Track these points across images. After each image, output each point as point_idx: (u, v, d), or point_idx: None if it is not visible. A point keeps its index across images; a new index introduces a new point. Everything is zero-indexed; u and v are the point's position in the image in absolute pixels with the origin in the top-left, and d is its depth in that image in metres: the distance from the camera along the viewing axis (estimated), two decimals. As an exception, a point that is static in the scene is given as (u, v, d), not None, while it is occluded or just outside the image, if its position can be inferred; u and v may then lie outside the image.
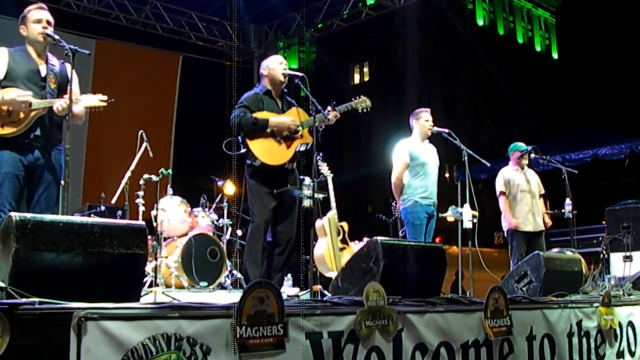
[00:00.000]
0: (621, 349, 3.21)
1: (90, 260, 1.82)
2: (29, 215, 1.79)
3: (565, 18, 39.49)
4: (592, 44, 34.17)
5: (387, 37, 30.67)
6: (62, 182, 2.83)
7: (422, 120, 4.53)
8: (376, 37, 30.75)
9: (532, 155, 5.15)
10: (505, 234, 5.19)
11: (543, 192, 5.29)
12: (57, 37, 2.93)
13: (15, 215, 1.76)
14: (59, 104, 2.87)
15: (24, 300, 1.58)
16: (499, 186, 5.16)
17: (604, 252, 5.11)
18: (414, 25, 28.92)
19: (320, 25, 9.32)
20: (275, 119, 3.41)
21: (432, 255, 2.80)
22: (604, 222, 5.66)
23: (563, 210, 5.00)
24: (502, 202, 5.11)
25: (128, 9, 8.18)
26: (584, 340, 2.99)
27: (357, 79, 34.95)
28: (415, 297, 2.41)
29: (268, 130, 3.40)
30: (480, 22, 37.60)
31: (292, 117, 3.46)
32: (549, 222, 5.18)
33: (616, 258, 4.96)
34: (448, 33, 32.02)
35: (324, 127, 3.49)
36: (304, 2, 8.77)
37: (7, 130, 2.86)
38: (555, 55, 42.16)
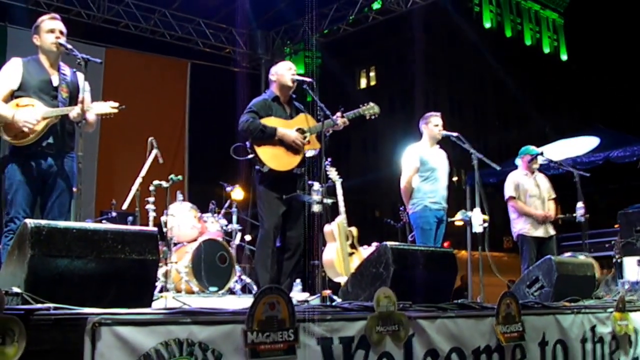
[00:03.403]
0: (636, 355, 3.17)
1: (103, 266, 1.84)
2: (43, 222, 1.82)
3: (574, 19, 39.25)
4: (602, 44, 33.90)
5: (393, 41, 30.69)
6: (75, 189, 2.87)
7: (432, 125, 4.52)
8: (382, 41, 30.77)
9: (543, 158, 5.09)
10: (515, 239, 5.13)
11: (554, 196, 5.23)
12: (69, 46, 2.98)
13: (30, 222, 1.78)
14: (75, 112, 2.92)
15: (39, 305, 1.60)
16: (509, 191, 5.10)
17: (617, 256, 5.04)
18: (420, 29, 28.90)
19: (326, 31, 9.35)
20: (282, 130, 3.43)
21: (443, 260, 2.79)
22: (616, 225, 5.59)
23: (575, 214, 4.94)
24: (514, 206, 5.05)
25: (137, 18, 8.28)
26: (598, 346, 2.95)
27: (363, 83, 34.97)
28: (425, 303, 2.40)
29: (276, 138, 3.42)
30: (488, 25, 37.49)
31: (298, 134, 3.47)
32: (551, 216, 5.03)
33: (630, 262, 4.89)
34: (455, 36, 31.99)
35: (331, 131, 3.50)
36: (311, 8, 8.81)
37: (20, 140, 2.91)
38: (564, 57, 41.88)
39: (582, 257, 3.92)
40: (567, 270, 3.31)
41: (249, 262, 5.65)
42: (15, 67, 2.99)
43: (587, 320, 2.94)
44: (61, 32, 3.05)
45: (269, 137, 3.41)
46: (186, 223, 4.90)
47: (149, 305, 1.96)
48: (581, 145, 7.94)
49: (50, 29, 3.03)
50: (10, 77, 2.97)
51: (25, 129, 2.86)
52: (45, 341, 1.51)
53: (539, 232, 4.98)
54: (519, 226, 5.04)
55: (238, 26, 9.13)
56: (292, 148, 3.45)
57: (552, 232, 5.04)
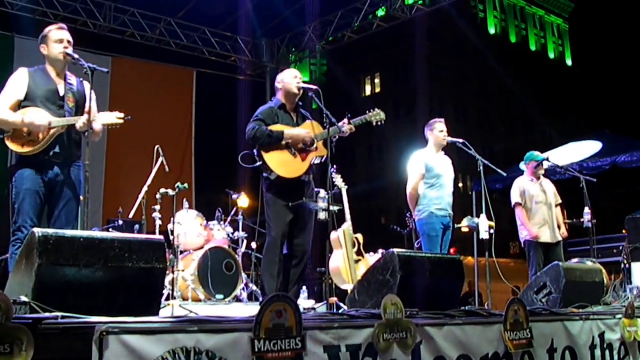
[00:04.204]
0: (646, 361, 3.12)
1: (110, 275, 1.85)
2: (51, 231, 1.83)
3: (579, 24, 39.25)
4: (607, 48, 33.80)
5: (398, 48, 30.79)
6: (82, 197, 2.89)
7: (437, 131, 4.52)
8: (387, 48, 30.87)
9: (549, 163, 5.08)
10: (523, 245, 5.10)
11: (560, 202, 5.20)
12: (76, 56, 3.01)
13: (38, 231, 1.79)
14: (81, 122, 2.95)
15: (47, 314, 1.60)
16: (515, 197, 5.08)
17: (625, 262, 4.99)
18: (424, 36, 28.96)
19: (331, 38, 9.40)
20: (290, 131, 3.44)
21: (450, 267, 2.78)
22: (624, 231, 5.54)
23: (582, 220, 4.91)
24: (519, 213, 5.03)
25: (143, 27, 8.37)
26: (607, 352, 2.92)
27: (368, 90, 35.06)
28: (433, 310, 2.39)
29: (283, 142, 3.42)
30: (492, 31, 37.54)
31: (307, 130, 3.49)
32: (565, 233, 5.08)
33: (638, 268, 4.84)
34: (459, 42, 32.03)
35: (337, 137, 3.51)
36: (316, 16, 8.87)
37: (27, 149, 2.94)
38: (569, 62, 41.80)
39: (590, 263, 3.89)
40: (575, 277, 3.28)
41: (256, 269, 5.64)
42: (21, 78, 3.02)
43: (596, 326, 2.91)
44: (68, 42, 3.08)
45: (277, 141, 3.41)
46: (193, 231, 4.91)
47: (157, 314, 1.96)
48: (583, 149, 7.94)
49: (58, 39, 3.06)
50: (16, 88, 3.00)
51: (35, 128, 2.87)
52: (53, 350, 1.51)
53: (546, 238, 4.95)
54: (526, 232, 5.01)
55: (243, 34, 9.21)
56: (300, 153, 3.45)
57: (559, 237, 5.01)
